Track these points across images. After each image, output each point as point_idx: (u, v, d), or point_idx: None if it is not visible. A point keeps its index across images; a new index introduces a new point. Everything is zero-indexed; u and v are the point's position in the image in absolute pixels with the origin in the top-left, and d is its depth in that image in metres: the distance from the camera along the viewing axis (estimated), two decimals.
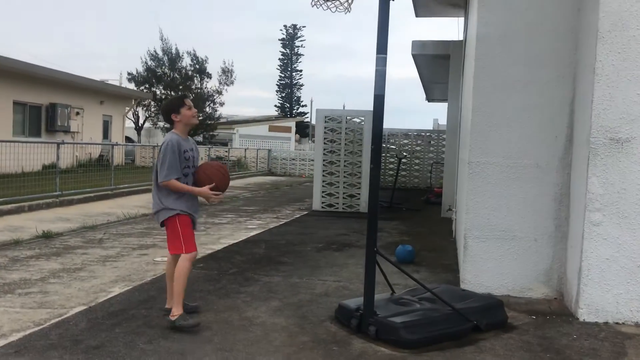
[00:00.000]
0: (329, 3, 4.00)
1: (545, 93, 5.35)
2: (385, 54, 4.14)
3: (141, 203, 12.95)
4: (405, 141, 21.19)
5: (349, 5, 3.96)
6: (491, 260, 5.49)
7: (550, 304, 5.21)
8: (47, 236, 8.08)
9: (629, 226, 4.65)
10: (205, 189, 4.29)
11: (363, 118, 12.66)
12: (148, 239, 8.28)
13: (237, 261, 6.70)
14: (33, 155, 14.36)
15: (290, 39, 66.55)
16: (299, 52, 66.89)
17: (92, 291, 5.26)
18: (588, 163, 4.69)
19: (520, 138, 5.41)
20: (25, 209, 10.78)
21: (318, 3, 3.98)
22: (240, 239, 8.31)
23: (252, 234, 8.92)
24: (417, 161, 20.97)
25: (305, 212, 12.25)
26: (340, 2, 3.98)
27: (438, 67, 13.96)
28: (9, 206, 10.44)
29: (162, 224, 4.44)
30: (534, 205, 5.41)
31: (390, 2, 4.09)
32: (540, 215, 5.41)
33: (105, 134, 25.37)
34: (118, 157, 21.85)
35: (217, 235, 8.74)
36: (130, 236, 8.48)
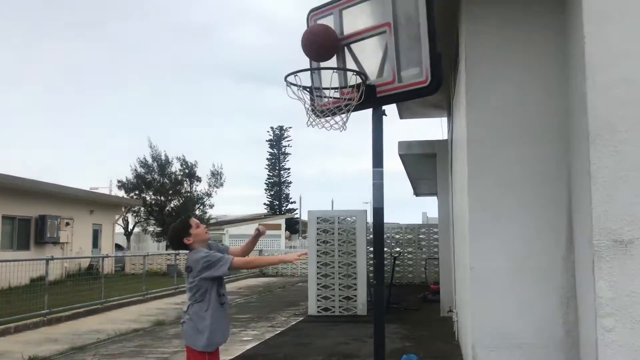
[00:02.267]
0: (324, 123, 4.04)
1: (542, 194, 5.34)
2: (382, 167, 4.14)
3: (132, 317, 12.55)
4: (397, 236, 21.09)
5: (344, 124, 4.00)
6: None
7: None
8: None
9: None
10: (292, 255, 4.12)
11: (355, 217, 12.63)
12: (140, 359, 7.91)
13: None
14: (21, 269, 14.09)
15: (277, 140, 67.96)
16: (286, 152, 68.16)
17: None
18: (593, 266, 4.59)
19: (521, 239, 5.33)
20: (12, 330, 10.37)
21: (313, 123, 4.02)
22: (237, 354, 7.97)
23: (247, 347, 8.57)
24: (409, 256, 20.78)
25: (301, 318, 11.90)
26: (335, 122, 4.02)
27: (424, 164, 14.14)
28: None
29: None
30: (542, 310, 5.24)
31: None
32: (549, 321, 5.22)
33: (95, 242, 25.11)
34: (108, 266, 21.50)
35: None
36: (121, 356, 8.11)
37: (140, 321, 11.72)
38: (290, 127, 69.62)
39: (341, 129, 3.95)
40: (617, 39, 4.68)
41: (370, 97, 4.01)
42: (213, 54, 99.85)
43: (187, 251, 4.17)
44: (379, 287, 4.05)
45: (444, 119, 13.36)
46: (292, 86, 3.91)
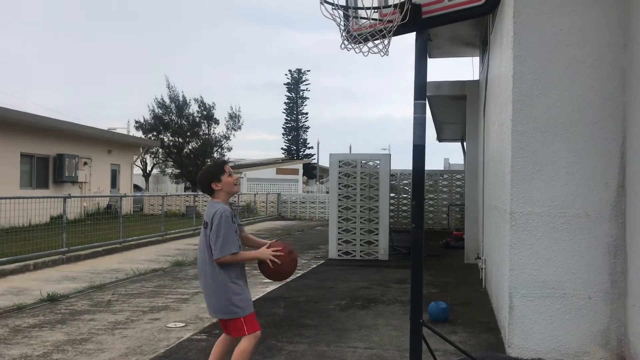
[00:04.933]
0: (362, 47, 3.59)
1: (592, 135, 4.90)
2: (425, 99, 3.71)
3: (150, 257, 12.45)
4: None
5: (385, 47, 3.55)
6: (541, 322, 4.95)
7: None
8: (53, 299, 7.57)
9: None
10: (267, 250, 3.89)
11: (378, 162, 12.25)
12: (159, 299, 7.76)
13: None
14: (40, 208, 14.03)
15: (296, 83, 66.97)
16: (304, 96, 67.23)
17: None
18: None
19: (567, 185, 4.94)
20: (31, 267, 10.30)
21: (349, 47, 3.58)
22: (258, 297, 7.77)
23: (269, 289, 8.38)
24: (430, 202, 20.45)
25: (322, 262, 11.71)
26: (374, 44, 3.56)
27: (452, 107, 13.61)
28: (13, 265, 9.96)
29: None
30: (586, 259, 4.90)
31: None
32: (594, 270, 4.89)
33: (114, 182, 25.08)
34: (126, 206, 21.49)
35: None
36: (140, 296, 7.96)
37: (159, 261, 11.61)
38: (308, 71, 68.97)
39: (381, 52, 3.51)
40: None
41: (415, 18, 3.55)
42: None
43: (208, 197, 3.88)
44: (418, 231, 3.69)
45: (476, 59, 12.73)
46: (326, 4, 3.46)
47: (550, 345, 4.93)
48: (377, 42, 3.57)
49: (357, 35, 3.59)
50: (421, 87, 3.74)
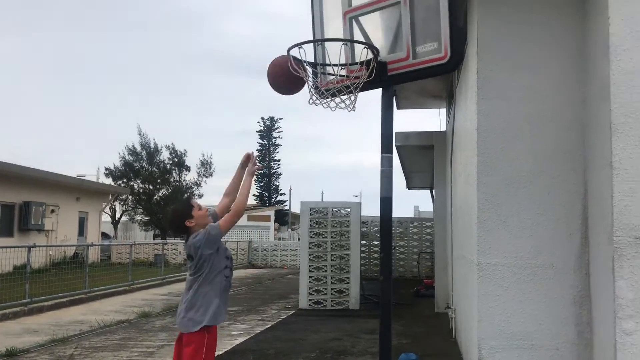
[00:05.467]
0: (329, 102, 3.67)
1: (555, 188, 5.02)
2: (391, 153, 3.79)
3: (116, 307, 12.15)
4: None
5: (352, 103, 3.63)
6: None
7: None
8: (11, 354, 7.31)
9: None
10: (250, 168, 3.88)
11: (349, 209, 12.32)
12: (124, 353, 7.54)
13: None
14: (3, 257, 13.63)
15: (268, 131, 67.39)
16: (276, 143, 67.60)
17: None
18: (613, 265, 4.28)
19: (532, 236, 5.02)
20: None
21: (317, 102, 3.66)
22: (225, 349, 7.62)
23: (237, 341, 8.22)
24: (401, 249, 20.51)
25: (292, 312, 11.57)
26: (341, 100, 3.65)
27: (421, 157, 13.82)
28: None
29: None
30: (553, 310, 4.94)
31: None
32: (560, 321, 4.92)
33: (81, 230, 24.60)
34: (93, 255, 21.05)
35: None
36: (104, 350, 7.73)
37: (125, 312, 11.33)
38: (281, 119, 69.22)
39: (348, 108, 3.59)
40: None
41: (381, 75, 3.66)
42: (205, 43, 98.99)
43: (180, 242, 3.87)
44: (387, 283, 3.70)
45: (443, 110, 13.04)
46: (295, 60, 3.54)
47: None
48: (344, 97, 3.65)
49: (325, 91, 3.68)
50: (387, 140, 3.82)
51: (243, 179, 3.88)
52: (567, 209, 4.99)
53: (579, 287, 4.93)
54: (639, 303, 4.22)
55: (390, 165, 3.75)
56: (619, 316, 4.24)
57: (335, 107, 3.66)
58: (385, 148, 3.76)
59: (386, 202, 3.78)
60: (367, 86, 3.72)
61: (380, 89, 3.79)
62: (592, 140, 4.84)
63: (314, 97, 3.77)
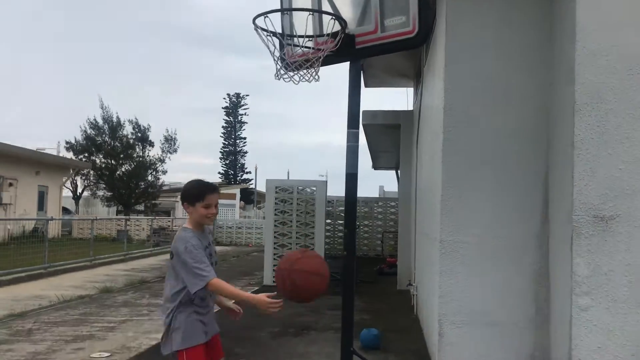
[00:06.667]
0: (293, 76, 3.62)
1: (517, 168, 5.09)
2: (358, 128, 3.77)
3: (77, 283, 11.96)
4: None
5: (316, 74, 3.59)
6: (470, 349, 5.02)
7: None
8: None
9: (619, 311, 4.30)
10: (263, 297, 3.35)
11: (315, 188, 12.32)
12: (84, 327, 7.43)
13: None
14: None
15: (234, 107, 66.64)
16: (242, 120, 66.95)
17: None
18: (572, 243, 4.37)
19: (494, 215, 5.09)
20: None
21: (284, 76, 3.60)
22: None
23: None
24: (365, 229, 20.68)
25: (257, 288, 11.57)
26: (305, 72, 3.60)
27: (387, 136, 13.87)
28: None
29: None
30: (513, 287, 5.04)
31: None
32: (520, 298, 5.02)
33: (41, 205, 24.07)
34: (54, 230, 20.62)
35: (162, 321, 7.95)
36: (64, 325, 7.60)
37: (86, 287, 11.15)
38: (247, 95, 68.50)
39: (312, 79, 3.55)
40: (609, 4, 4.43)
41: (349, 48, 3.62)
42: (173, 16, 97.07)
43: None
44: (349, 259, 3.70)
45: (410, 89, 13.08)
46: (261, 30, 3.47)
47: None
48: (310, 69, 3.60)
49: (291, 63, 3.62)
50: (354, 116, 3.80)
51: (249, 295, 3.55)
52: (529, 188, 5.07)
53: (538, 265, 5.03)
54: (594, 280, 4.33)
55: (356, 141, 3.74)
56: (575, 292, 4.34)
57: (299, 80, 3.61)
58: (352, 123, 3.74)
59: (351, 178, 3.77)
60: (335, 59, 3.68)
61: (348, 62, 3.75)
62: (555, 121, 4.91)
63: (281, 72, 3.71)
